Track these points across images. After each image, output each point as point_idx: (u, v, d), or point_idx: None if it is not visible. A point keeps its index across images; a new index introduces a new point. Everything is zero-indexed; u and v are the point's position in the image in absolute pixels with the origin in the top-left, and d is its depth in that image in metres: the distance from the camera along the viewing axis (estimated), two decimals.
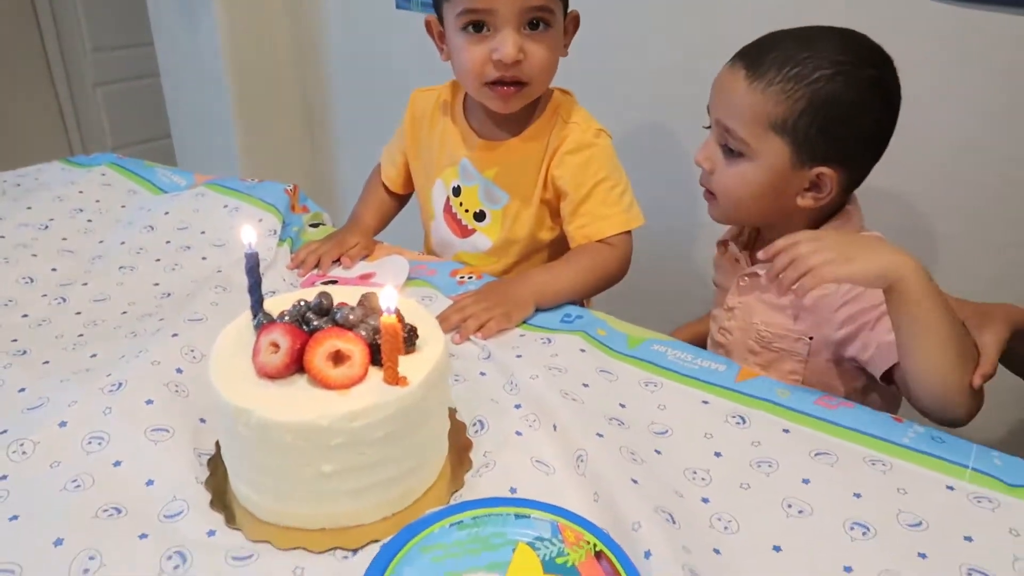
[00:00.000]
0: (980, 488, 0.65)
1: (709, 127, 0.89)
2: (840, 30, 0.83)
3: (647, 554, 0.56)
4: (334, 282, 1.01)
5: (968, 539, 0.60)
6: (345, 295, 0.66)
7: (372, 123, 1.99)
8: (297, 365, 0.58)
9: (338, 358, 0.58)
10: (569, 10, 0.98)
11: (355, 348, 0.59)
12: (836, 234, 0.80)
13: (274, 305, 0.65)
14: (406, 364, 0.60)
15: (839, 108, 0.79)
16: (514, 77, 0.94)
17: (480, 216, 1.10)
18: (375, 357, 0.60)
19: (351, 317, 0.61)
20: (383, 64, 1.96)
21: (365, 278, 1.03)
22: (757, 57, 0.82)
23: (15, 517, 0.60)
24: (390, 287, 0.57)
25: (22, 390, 0.75)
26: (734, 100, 0.83)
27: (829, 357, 0.87)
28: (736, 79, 0.83)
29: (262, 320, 0.62)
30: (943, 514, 0.62)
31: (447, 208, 1.13)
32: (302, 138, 2.25)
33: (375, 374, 0.59)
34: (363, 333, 0.60)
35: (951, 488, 0.65)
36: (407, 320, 0.63)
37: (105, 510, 0.60)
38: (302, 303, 0.63)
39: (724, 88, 0.85)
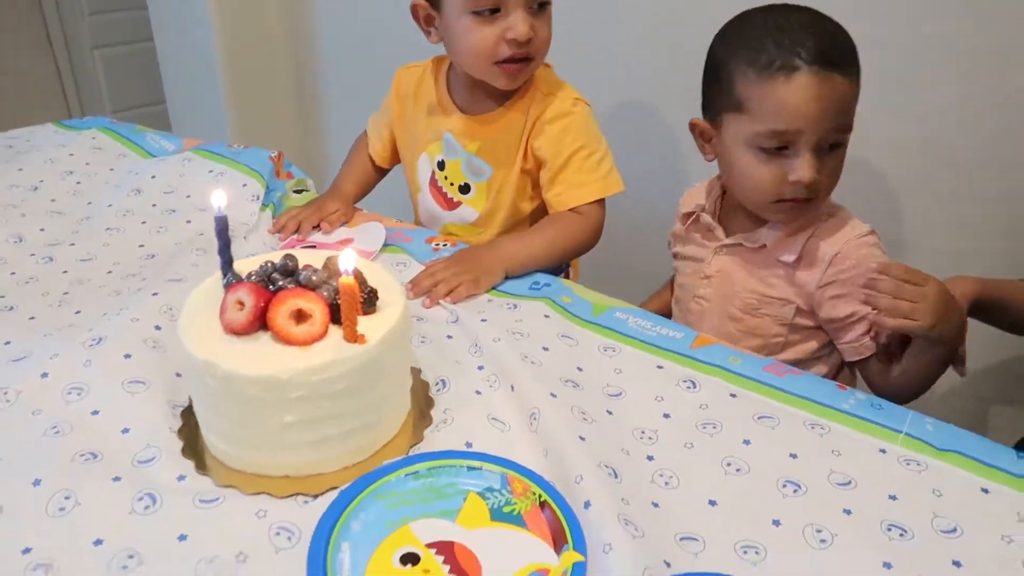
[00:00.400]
0: (910, 452, 0.69)
1: (776, 147, 0.86)
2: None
3: (587, 504, 0.60)
4: (313, 246, 1.04)
5: (892, 498, 0.64)
6: (311, 258, 0.69)
7: (361, 89, 2.01)
8: (261, 322, 0.62)
9: (300, 316, 0.62)
10: None
11: (316, 307, 0.62)
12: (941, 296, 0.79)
13: (243, 266, 0.68)
14: (366, 324, 0.64)
15: None
16: (524, 54, 0.99)
17: (465, 189, 1.12)
18: (336, 316, 0.63)
19: (314, 278, 0.64)
20: (373, 30, 1.97)
21: (343, 243, 1.06)
22: (840, 57, 0.84)
23: None
24: (349, 251, 0.61)
25: (7, 343, 0.78)
26: (842, 103, 0.84)
27: (809, 323, 0.93)
28: (838, 85, 0.83)
29: (230, 280, 0.65)
30: (872, 474, 0.66)
31: (432, 182, 1.15)
32: (292, 105, 2.27)
33: (336, 332, 0.63)
34: (324, 293, 0.63)
35: (883, 451, 0.69)
36: (370, 283, 0.67)
37: (82, 455, 0.64)
38: (268, 264, 0.66)
39: (825, 100, 0.83)
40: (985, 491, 0.65)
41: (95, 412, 0.69)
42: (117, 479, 0.62)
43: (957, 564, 0.58)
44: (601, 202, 1.05)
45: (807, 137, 0.84)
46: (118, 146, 1.34)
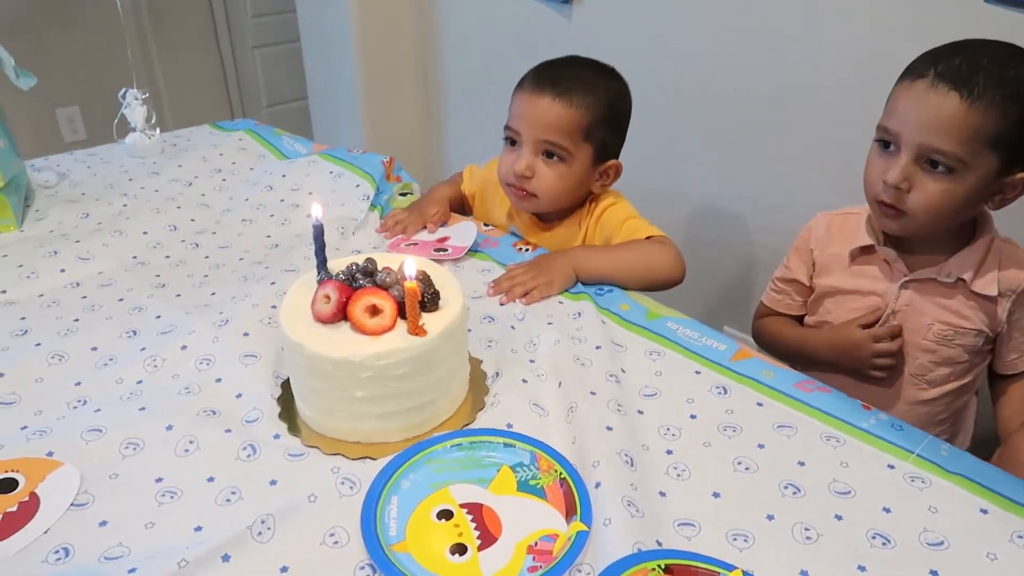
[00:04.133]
0: (918, 470, 0.74)
1: (883, 141, 0.93)
2: (1011, 45, 0.88)
3: (597, 484, 0.70)
4: (415, 244, 1.18)
5: (886, 510, 0.69)
6: (391, 261, 0.82)
7: (479, 91, 2.16)
8: (343, 314, 0.76)
9: (374, 311, 0.75)
10: (613, 160, 1.15)
11: (387, 304, 0.75)
12: None
13: (336, 265, 0.82)
14: (429, 319, 0.76)
15: None
16: (522, 187, 1.13)
17: None
18: (404, 312, 0.76)
19: (387, 279, 0.77)
20: (493, 47, 2.11)
21: (442, 241, 1.19)
22: (968, 78, 0.85)
23: (144, 408, 0.81)
24: (411, 259, 0.73)
25: (158, 316, 0.97)
26: (948, 120, 0.86)
27: (989, 346, 1.02)
28: (948, 101, 0.85)
29: (323, 277, 0.80)
30: (872, 487, 0.72)
31: None
32: (416, 103, 2.45)
33: (402, 325, 0.76)
34: (395, 293, 0.76)
35: (891, 467, 0.74)
36: (435, 285, 0.79)
37: (205, 411, 0.81)
38: (353, 266, 0.80)
39: (929, 109, 0.87)
40: (984, 511, 0.69)
41: (219, 380, 0.85)
42: (228, 431, 0.78)
43: (933, 573, 0.63)
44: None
45: (905, 141, 0.89)
46: (259, 147, 1.55)
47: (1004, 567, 0.64)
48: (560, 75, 1.10)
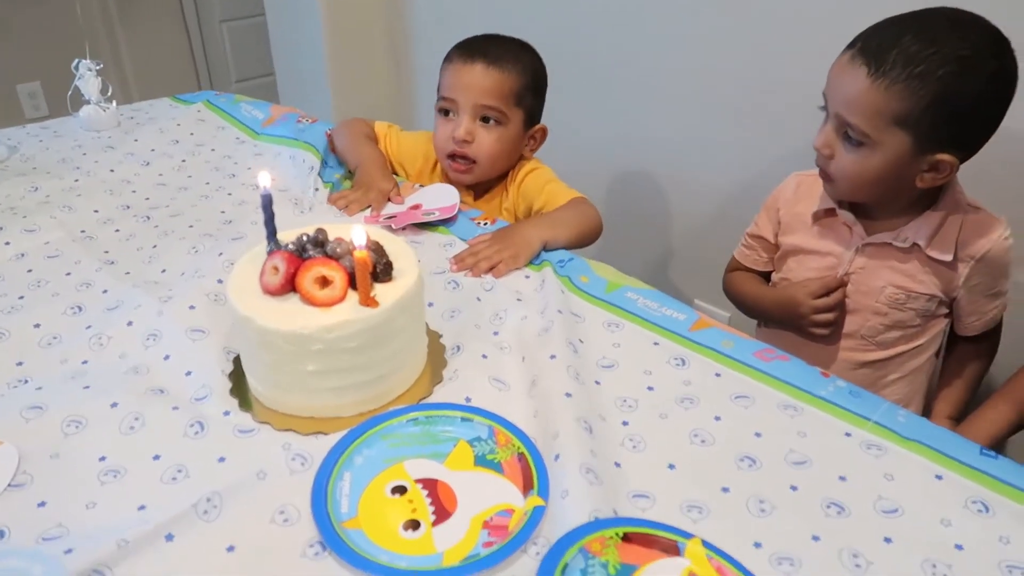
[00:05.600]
0: (875, 437, 0.73)
1: (823, 108, 0.94)
2: (956, 17, 0.85)
3: (556, 456, 0.69)
4: (394, 216, 1.15)
5: (842, 478, 0.69)
6: (343, 232, 0.80)
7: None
8: (292, 286, 0.74)
9: (324, 282, 0.73)
10: (538, 124, 1.24)
11: (337, 275, 0.73)
12: None
13: (286, 236, 0.80)
14: (382, 290, 0.75)
15: (962, 101, 0.84)
16: (463, 154, 1.19)
17: None
18: (355, 283, 0.74)
19: (338, 250, 0.75)
20: (464, 16, 2.07)
21: (416, 208, 1.16)
22: (879, 54, 0.85)
23: (88, 387, 0.78)
24: (359, 227, 0.71)
25: (105, 291, 0.94)
26: (855, 96, 0.87)
27: (944, 310, 1.03)
28: (857, 76, 0.86)
29: (272, 248, 0.77)
30: (829, 455, 0.71)
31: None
32: (387, 79, 2.41)
33: (354, 297, 0.74)
34: (345, 263, 0.74)
35: (848, 435, 0.74)
36: (389, 255, 0.77)
37: (152, 390, 0.78)
38: (303, 236, 0.77)
39: (844, 83, 0.88)
40: (939, 477, 0.69)
41: (167, 357, 0.83)
42: (176, 408, 0.76)
43: (887, 540, 0.63)
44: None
45: (830, 110, 0.93)
46: (217, 119, 1.51)
47: (958, 532, 0.64)
48: (487, 46, 1.19)
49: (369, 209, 1.16)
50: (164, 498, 0.66)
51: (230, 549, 0.61)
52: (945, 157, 0.88)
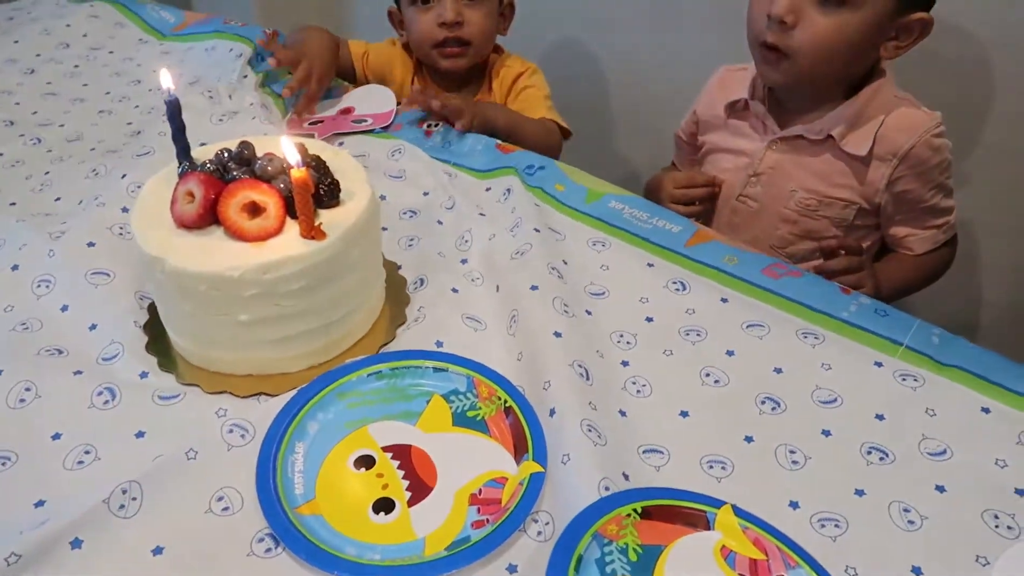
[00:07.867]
0: (909, 366, 0.64)
1: None
2: None
3: (552, 411, 0.58)
4: (320, 122, 0.99)
5: (880, 417, 0.60)
6: (273, 146, 0.65)
7: None
8: (212, 216, 0.59)
9: (254, 210, 0.58)
10: None
11: (270, 200, 0.59)
12: None
13: (202, 153, 0.64)
14: (328, 217, 0.61)
15: None
16: (457, 37, 1.08)
17: None
18: (294, 210, 0.59)
19: (269, 168, 0.60)
20: None
21: (347, 112, 1.01)
22: None
23: None
24: (287, 139, 0.56)
25: None
26: None
27: (869, 222, 0.91)
28: None
29: (185, 168, 0.62)
30: (861, 391, 0.62)
31: None
32: None
33: (293, 227, 0.60)
34: (280, 186, 0.59)
35: (879, 364, 0.64)
36: (333, 173, 0.63)
37: (47, 350, 0.64)
38: (224, 152, 0.62)
39: None
40: (986, 411, 0.60)
41: (64, 308, 0.68)
42: (78, 372, 0.61)
43: (940, 489, 0.55)
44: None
45: None
46: (117, 15, 1.29)
47: (1015, 474, 0.55)
48: None
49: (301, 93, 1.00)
50: (68, 490, 0.53)
51: (157, 552, 0.49)
52: (924, 15, 0.82)
